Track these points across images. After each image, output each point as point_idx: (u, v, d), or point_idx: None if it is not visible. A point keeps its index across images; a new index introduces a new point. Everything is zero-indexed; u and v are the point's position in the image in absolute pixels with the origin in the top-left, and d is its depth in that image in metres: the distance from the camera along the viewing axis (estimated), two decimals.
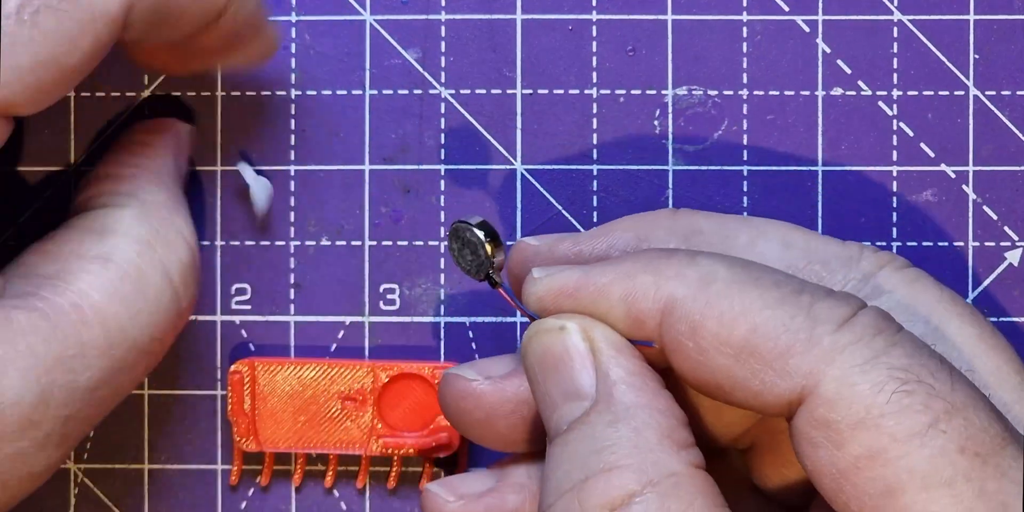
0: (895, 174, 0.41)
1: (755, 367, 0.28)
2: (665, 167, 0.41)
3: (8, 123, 0.32)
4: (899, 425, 0.27)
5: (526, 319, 0.37)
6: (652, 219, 0.35)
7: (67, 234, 0.35)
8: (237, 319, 0.41)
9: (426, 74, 0.41)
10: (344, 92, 0.41)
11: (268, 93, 0.41)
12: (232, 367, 0.40)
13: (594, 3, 0.41)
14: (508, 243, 0.35)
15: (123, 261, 0.34)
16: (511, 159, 0.41)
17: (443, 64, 0.41)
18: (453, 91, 0.41)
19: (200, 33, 0.35)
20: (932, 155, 0.41)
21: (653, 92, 0.41)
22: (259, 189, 0.40)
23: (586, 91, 0.41)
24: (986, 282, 0.40)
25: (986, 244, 0.41)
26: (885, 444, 0.27)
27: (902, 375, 0.27)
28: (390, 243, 0.41)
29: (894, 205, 0.41)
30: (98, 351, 0.33)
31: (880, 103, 0.41)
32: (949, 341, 0.32)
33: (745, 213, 0.40)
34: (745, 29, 0.41)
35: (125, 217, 0.35)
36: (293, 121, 0.41)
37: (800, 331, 0.28)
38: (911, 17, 0.41)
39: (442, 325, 0.41)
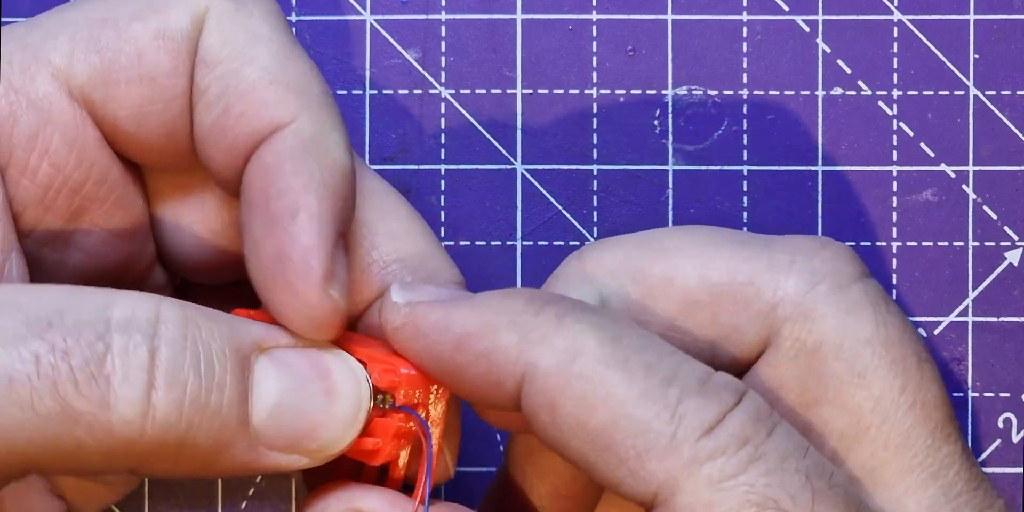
0: (895, 174, 0.41)
1: (610, 461, 0.27)
2: (665, 167, 0.41)
3: None
4: None
5: None
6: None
7: None
8: None
9: (426, 74, 0.41)
10: (344, 92, 0.41)
11: None
12: None
13: (594, 3, 0.41)
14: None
15: None
16: (511, 159, 0.41)
17: (443, 64, 0.41)
18: (453, 91, 0.41)
19: None
20: (932, 155, 0.41)
21: (653, 92, 0.41)
22: None
23: (586, 91, 0.41)
24: (986, 282, 0.40)
25: (986, 244, 0.41)
26: None
27: (759, 499, 0.26)
28: None
29: (894, 205, 0.41)
30: None
31: (880, 103, 0.41)
32: (856, 397, 0.29)
33: (745, 214, 0.41)
34: (745, 29, 0.41)
35: None
36: None
37: (661, 435, 0.26)
38: (911, 17, 0.41)
39: None
